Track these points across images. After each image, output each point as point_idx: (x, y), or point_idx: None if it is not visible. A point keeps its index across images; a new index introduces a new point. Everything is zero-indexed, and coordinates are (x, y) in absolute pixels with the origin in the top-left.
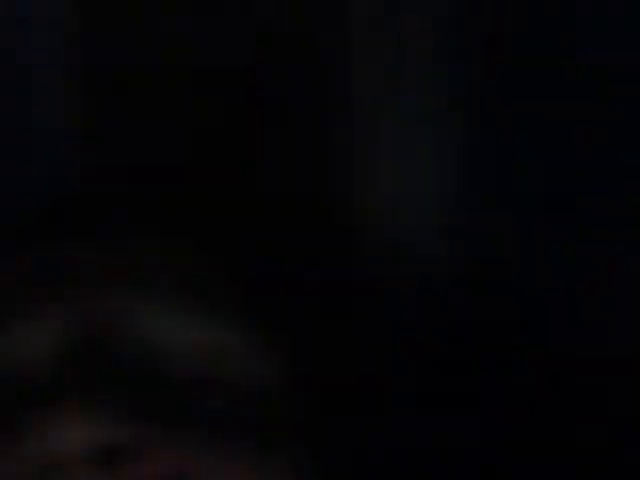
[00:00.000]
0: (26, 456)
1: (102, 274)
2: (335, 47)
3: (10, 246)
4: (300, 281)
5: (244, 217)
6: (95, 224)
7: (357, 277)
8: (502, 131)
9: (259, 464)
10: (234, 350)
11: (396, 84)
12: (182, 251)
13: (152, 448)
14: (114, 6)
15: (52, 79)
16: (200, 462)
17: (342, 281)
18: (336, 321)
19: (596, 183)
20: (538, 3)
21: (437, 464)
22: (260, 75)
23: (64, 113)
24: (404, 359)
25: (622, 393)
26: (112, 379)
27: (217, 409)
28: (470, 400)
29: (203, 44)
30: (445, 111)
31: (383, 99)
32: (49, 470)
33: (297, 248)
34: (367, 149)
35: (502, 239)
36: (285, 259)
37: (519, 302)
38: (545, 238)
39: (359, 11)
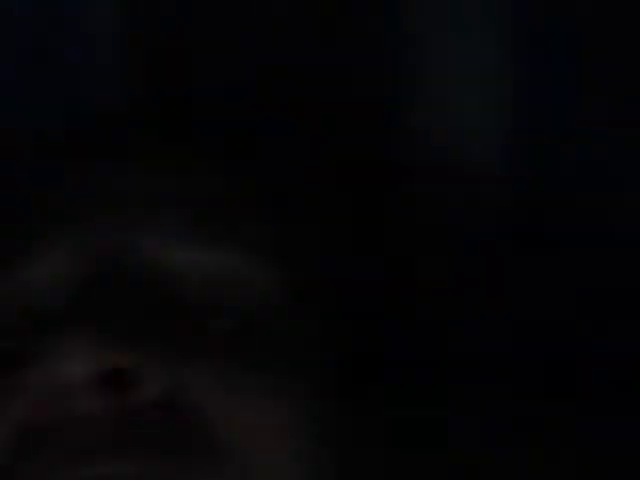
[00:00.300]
0: (35, 380)
1: (129, 195)
2: None
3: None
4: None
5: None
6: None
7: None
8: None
9: (275, 391)
10: (251, 277)
11: None
12: (216, 172)
13: (161, 375)
14: None
15: None
16: (211, 390)
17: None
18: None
19: None
20: None
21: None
22: None
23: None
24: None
25: None
26: (126, 302)
27: (232, 335)
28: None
29: None
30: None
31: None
32: (56, 394)
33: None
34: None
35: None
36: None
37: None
38: (614, 166)
39: None
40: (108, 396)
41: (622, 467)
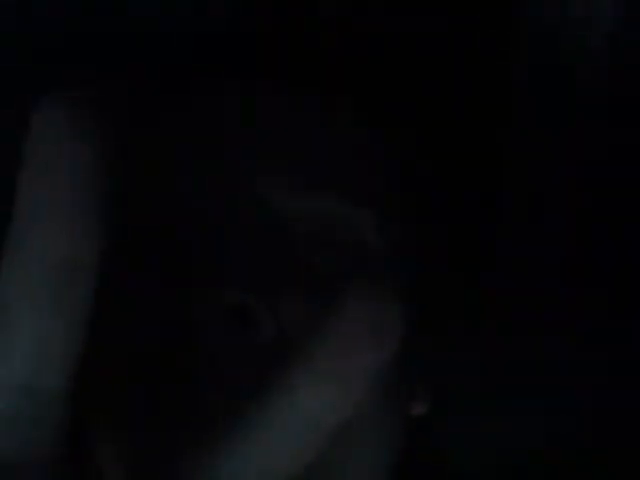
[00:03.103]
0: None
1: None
2: None
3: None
4: None
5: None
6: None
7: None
8: None
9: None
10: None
11: None
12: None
13: (278, 313)
14: None
15: None
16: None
17: None
18: None
19: None
20: None
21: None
22: None
23: None
24: None
25: None
26: (247, 244)
27: (342, 269)
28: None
29: None
30: None
31: None
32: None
33: None
34: None
35: None
36: None
37: None
38: None
39: None
40: (233, 332)
41: None
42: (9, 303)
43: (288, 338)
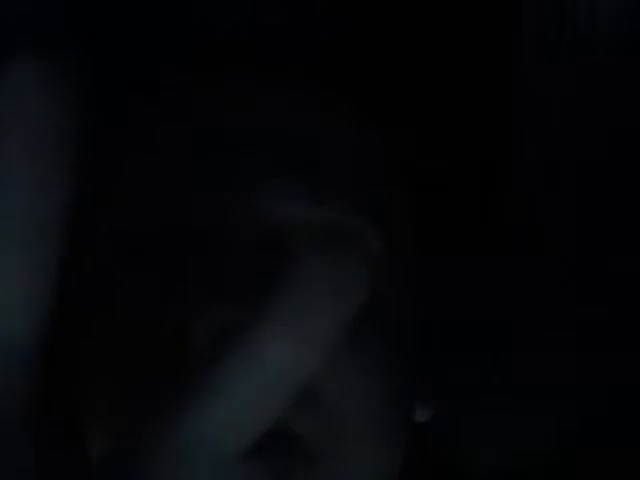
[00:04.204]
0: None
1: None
2: None
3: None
4: None
5: None
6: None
7: None
8: None
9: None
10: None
11: None
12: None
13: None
14: None
15: None
16: None
17: None
18: None
19: None
20: None
21: None
22: None
23: None
24: None
25: None
26: (239, 256)
27: None
28: None
29: None
30: None
31: None
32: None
33: None
34: None
35: None
36: None
37: None
38: None
39: None
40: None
41: None
42: None
43: None
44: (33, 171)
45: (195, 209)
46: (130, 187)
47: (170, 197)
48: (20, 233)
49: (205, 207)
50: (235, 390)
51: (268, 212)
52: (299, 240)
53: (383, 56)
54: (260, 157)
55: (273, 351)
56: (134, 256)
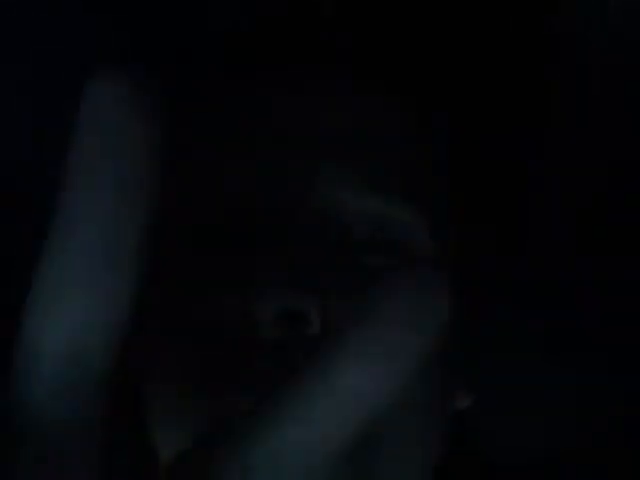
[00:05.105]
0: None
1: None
2: None
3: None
4: None
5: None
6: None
7: None
8: None
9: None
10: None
11: None
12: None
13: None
14: None
15: None
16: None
17: None
18: None
19: None
20: None
21: None
22: None
23: None
24: None
25: None
26: (303, 247)
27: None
28: None
29: None
30: None
31: None
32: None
33: None
34: None
35: None
36: None
37: None
38: None
39: None
40: (284, 329)
41: None
42: (62, 270)
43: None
44: (116, 203)
45: (261, 195)
46: (199, 178)
47: (237, 185)
48: (98, 264)
49: (271, 193)
50: (309, 414)
51: (329, 198)
52: (356, 229)
53: (436, 52)
54: (320, 147)
55: (351, 381)
56: (202, 243)
